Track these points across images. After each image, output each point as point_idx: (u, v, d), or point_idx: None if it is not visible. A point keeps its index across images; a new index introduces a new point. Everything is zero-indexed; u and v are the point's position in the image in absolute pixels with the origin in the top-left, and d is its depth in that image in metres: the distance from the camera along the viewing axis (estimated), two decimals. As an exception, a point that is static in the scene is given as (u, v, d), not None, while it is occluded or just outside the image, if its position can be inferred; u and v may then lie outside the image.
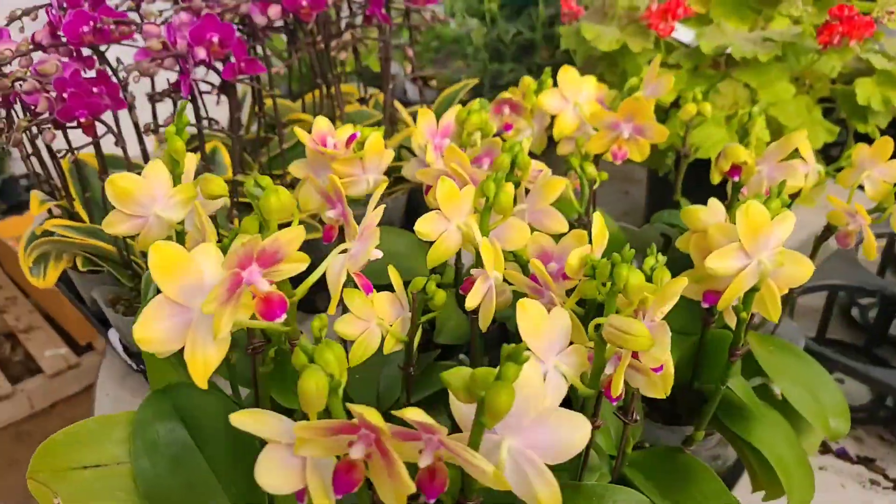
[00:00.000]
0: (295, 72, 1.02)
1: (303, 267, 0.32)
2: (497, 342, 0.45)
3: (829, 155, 0.95)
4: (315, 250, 0.39)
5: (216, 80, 0.70)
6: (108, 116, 0.67)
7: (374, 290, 0.44)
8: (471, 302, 0.41)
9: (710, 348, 0.54)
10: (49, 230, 0.70)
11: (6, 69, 0.62)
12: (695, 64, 0.81)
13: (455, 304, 0.61)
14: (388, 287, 0.45)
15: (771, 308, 0.43)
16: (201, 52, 0.59)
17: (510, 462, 0.31)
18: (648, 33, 0.79)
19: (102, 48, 0.66)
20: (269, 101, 0.85)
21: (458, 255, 0.63)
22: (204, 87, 0.72)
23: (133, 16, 0.71)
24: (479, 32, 1.16)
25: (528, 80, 0.67)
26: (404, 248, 0.71)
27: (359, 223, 0.66)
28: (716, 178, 0.55)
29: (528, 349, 0.36)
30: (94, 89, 0.59)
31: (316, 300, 0.76)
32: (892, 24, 0.76)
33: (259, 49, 0.78)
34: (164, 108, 0.83)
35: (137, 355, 0.78)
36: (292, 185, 0.83)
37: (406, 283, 0.48)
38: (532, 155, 0.72)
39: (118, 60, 0.75)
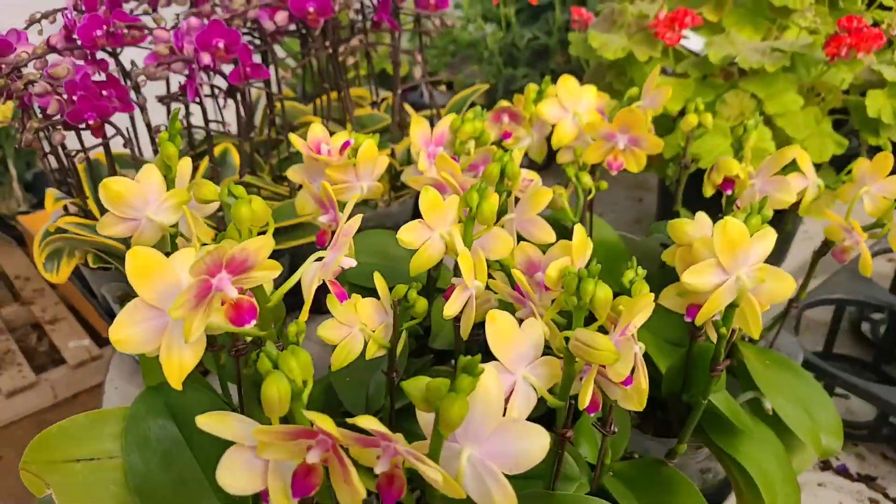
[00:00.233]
0: (308, 74, 1.04)
1: (275, 274, 0.33)
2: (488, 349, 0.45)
3: (843, 167, 0.94)
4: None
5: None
6: (124, 118, 0.69)
7: (360, 296, 0.46)
8: (448, 311, 0.42)
9: (697, 361, 0.54)
10: (62, 227, 0.73)
11: (23, 71, 0.64)
12: (703, 73, 0.81)
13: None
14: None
15: (752, 324, 0.43)
16: (206, 58, 0.61)
17: (470, 470, 0.32)
18: (656, 42, 0.79)
19: (117, 50, 0.68)
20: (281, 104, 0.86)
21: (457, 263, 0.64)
22: (214, 90, 0.74)
23: (148, 19, 0.73)
24: (494, 37, 1.17)
25: (532, 87, 0.67)
26: (406, 253, 0.72)
27: (362, 227, 0.67)
28: (708, 191, 0.55)
29: (497, 360, 0.36)
30: (104, 92, 0.61)
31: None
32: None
33: (269, 53, 0.80)
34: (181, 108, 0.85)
35: (144, 352, 0.80)
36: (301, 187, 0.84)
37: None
38: (533, 163, 0.72)
39: (132, 63, 0.77)
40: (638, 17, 0.82)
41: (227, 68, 0.71)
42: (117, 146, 0.72)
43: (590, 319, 0.44)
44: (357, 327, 0.44)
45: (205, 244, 0.42)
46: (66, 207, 0.76)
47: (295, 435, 0.29)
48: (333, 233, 0.51)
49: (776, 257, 0.98)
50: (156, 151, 0.78)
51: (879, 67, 0.75)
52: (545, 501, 0.42)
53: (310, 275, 0.37)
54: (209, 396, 0.51)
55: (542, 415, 0.44)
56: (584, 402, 0.36)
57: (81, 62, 0.68)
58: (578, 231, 0.43)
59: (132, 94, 0.67)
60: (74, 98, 0.59)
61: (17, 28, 0.68)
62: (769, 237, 0.41)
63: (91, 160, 0.73)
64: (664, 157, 0.80)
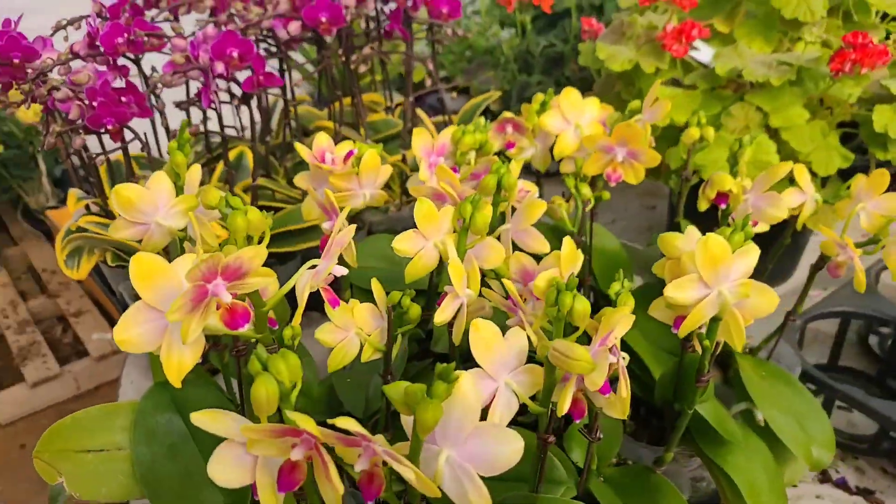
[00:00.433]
0: (325, 80, 1.06)
1: (269, 282, 0.35)
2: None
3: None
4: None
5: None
6: (144, 121, 0.72)
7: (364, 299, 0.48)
8: (439, 318, 0.44)
9: (688, 371, 0.55)
10: (83, 226, 0.76)
11: (48, 76, 0.67)
12: (711, 85, 0.81)
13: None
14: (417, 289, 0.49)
15: (735, 337, 0.44)
16: (220, 67, 0.63)
17: (448, 471, 0.34)
18: (663, 54, 0.80)
19: (138, 57, 0.71)
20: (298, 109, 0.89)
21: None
22: (228, 95, 0.76)
23: (168, 27, 0.76)
24: (509, 44, 1.18)
25: (537, 97, 0.69)
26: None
27: (373, 230, 0.69)
28: (703, 205, 0.56)
29: (479, 366, 0.38)
30: (123, 98, 0.64)
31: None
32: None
33: (284, 60, 0.82)
34: (198, 114, 0.88)
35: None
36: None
37: (421, 291, 0.51)
38: (537, 172, 0.74)
39: (153, 69, 0.80)
40: (647, 28, 0.83)
41: (244, 75, 0.74)
42: (137, 148, 0.75)
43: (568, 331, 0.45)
44: (353, 331, 0.46)
45: (214, 248, 0.44)
46: (87, 207, 0.79)
47: (281, 433, 0.31)
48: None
49: (786, 269, 0.98)
50: (174, 154, 0.81)
51: (888, 82, 0.75)
52: (529, 502, 0.44)
53: (303, 282, 0.39)
54: (214, 393, 0.53)
55: (533, 421, 0.45)
56: (563, 408, 0.37)
57: (104, 68, 0.71)
58: (567, 243, 0.44)
59: (151, 100, 0.70)
60: (95, 104, 0.62)
61: (42, 33, 0.71)
62: (752, 253, 0.42)
63: (111, 162, 0.76)
64: (670, 167, 0.81)
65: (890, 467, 0.76)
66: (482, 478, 0.33)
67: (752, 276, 0.44)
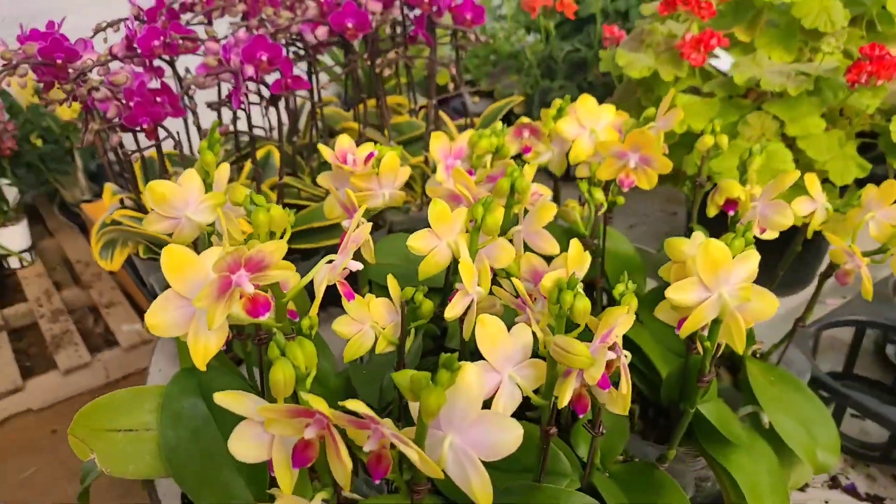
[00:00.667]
0: (351, 82, 1.09)
1: (289, 274, 0.38)
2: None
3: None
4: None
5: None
6: (178, 120, 0.75)
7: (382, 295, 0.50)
8: (449, 314, 0.46)
9: (692, 372, 0.56)
10: (117, 219, 0.79)
11: (88, 75, 0.71)
12: (728, 94, 0.82)
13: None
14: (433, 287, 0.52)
15: (736, 339, 0.46)
16: (250, 70, 0.66)
17: (452, 456, 0.36)
18: (682, 62, 0.81)
19: (173, 59, 0.75)
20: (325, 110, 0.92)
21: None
22: (258, 97, 0.79)
23: (202, 30, 0.79)
24: (533, 48, 1.20)
25: (556, 103, 0.71)
26: (426, 257, 0.76)
27: (394, 230, 0.72)
28: (712, 211, 0.57)
29: (485, 359, 0.40)
30: (158, 99, 0.67)
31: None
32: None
33: (312, 64, 0.85)
34: (228, 114, 0.91)
35: (186, 337, 0.86)
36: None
37: (434, 290, 0.53)
38: (555, 177, 0.76)
39: (187, 70, 0.83)
40: (667, 36, 0.85)
41: (273, 77, 0.77)
42: (170, 146, 0.78)
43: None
44: (368, 324, 0.49)
45: (240, 242, 0.47)
46: (122, 201, 0.83)
47: (295, 413, 0.33)
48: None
49: (804, 278, 0.99)
50: (205, 152, 0.84)
51: (907, 93, 0.76)
52: (532, 492, 0.46)
53: (320, 275, 0.42)
54: (237, 380, 0.56)
55: (540, 416, 0.47)
56: (563, 400, 0.39)
57: (140, 69, 0.75)
58: (574, 245, 0.46)
59: (184, 100, 0.74)
60: (131, 104, 0.65)
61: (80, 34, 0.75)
62: (752, 258, 0.43)
63: (145, 159, 0.80)
64: (686, 173, 0.82)
65: (900, 476, 0.77)
66: (486, 466, 0.35)
67: (763, 284, 0.45)
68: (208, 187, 0.51)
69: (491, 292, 0.50)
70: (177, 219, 0.49)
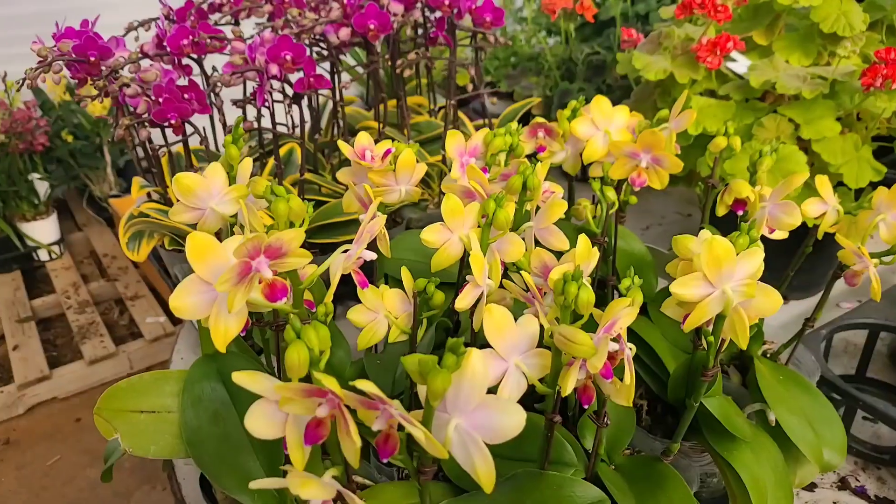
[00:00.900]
0: (373, 82, 1.11)
1: (305, 262, 0.40)
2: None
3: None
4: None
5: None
6: (204, 117, 0.78)
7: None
8: (459, 304, 0.47)
9: (697, 367, 0.57)
10: (144, 212, 0.82)
11: (119, 72, 0.73)
12: (744, 96, 0.83)
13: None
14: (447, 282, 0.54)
15: (739, 335, 0.47)
16: (274, 69, 0.68)
17: (457, 438, 0.37)
18: (698, 65, 0.82)
19: (201, 57, 0.77)
20: (347, 109, 0.94)
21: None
22: (282, 95, 0.82)
23: (229, 30, 0.82)
24: (553, 51, 1.21)
25: (572, 104, 0.72)
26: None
27: (411, 226, 0.74)
28: (720, 211, 0.58)
29: (491, 347, 0.42)
30: (185, 96, 0.70)
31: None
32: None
33: (335, 63, 0.87)
34: (253, 112, 0.94)
35: (208, 327, 0.89)
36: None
37: (447, 284, 0.55)
38: (569, 176, 0.77)
39: (213, 68, 0.86)
40: (684, 39, 0.85)
41: (296, 76, 0.79)
42: (196, 142, 0.81)
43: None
44: (382, 313, 0.50)
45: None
46: (149, 194, 0.86)
47: (308, 393, 0.35)
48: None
49: (818, 280, 0.99)
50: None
51: (923, 98, 0.76)
52: (535, 479, 0.47)
53: (336, 264, 0.44)
54: (255, 365, 0.58)
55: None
56: (566, 389, 0.41)
57: (169, 67, 0.77)
58: (581, 240, 0.48)
59: (211, 97, 0.76)
60: (160, 100, 0.68)
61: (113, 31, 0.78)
62: (756, 256, 0.45)
63: (172, 153, 0.82)
64: (701, 174, 0.83)
65: (911, 479, 0.77)
66: (493, 455, 0.36)
67: (773, 285, 0.46)
68: (232, 180, 0.53)
69: (501, 286, 0.52)
70: (201, 209, 0.51)
